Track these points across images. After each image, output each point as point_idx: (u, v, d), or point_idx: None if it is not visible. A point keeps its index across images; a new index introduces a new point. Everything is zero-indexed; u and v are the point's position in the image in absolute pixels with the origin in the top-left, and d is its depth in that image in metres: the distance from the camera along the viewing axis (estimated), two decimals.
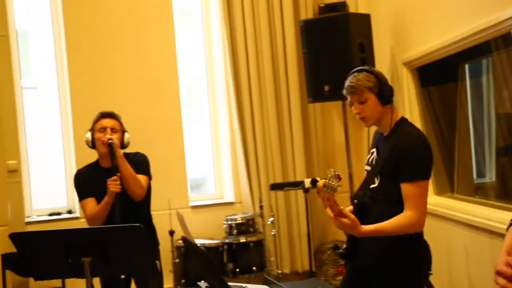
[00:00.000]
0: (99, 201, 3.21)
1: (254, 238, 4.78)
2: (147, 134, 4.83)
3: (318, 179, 4.56)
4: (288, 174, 5.24)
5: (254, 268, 4.70)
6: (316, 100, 4.73)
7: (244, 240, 4.75)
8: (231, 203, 5.32)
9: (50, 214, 4.90)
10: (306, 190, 4.64)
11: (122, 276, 3.06)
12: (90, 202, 3.25)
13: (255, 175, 5.14)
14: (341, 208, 2.46)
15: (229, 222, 4.91)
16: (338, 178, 2.35)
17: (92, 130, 3.31)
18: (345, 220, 2.45)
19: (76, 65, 4.84)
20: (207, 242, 4.73)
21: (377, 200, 2.60)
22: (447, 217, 3.90)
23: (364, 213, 2.61)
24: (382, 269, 2.54)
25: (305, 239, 5.11)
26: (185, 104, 5.26)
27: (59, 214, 4.91)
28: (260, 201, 4.67)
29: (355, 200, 2.65)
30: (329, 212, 2.42)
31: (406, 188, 2.49)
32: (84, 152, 4.60)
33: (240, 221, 4.87)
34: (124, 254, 2.35)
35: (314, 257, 5.03)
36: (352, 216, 2.48)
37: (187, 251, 4.51)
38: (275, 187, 4.85)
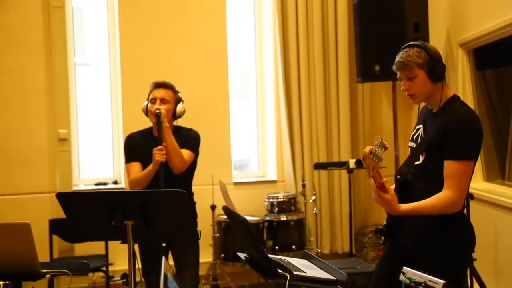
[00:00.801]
0: (144, 167, 3.28)
1: (295, 217, 4.80)
2: (195, 111, 4.81)
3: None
4: (333, 154, 5.22)
5: (293, 246, 4.72)
6: (366, 80, 4.68)
7: (285, 218, 4.77)
8: (273, 182, 5.34)
9: (97, 184, 5.04)
10: (350, 171, 4.61)
11: (163, 244, 3.12)
12: (135, 166, 3.32)
13: (299, 155, 5.15)
14: (384, 181, 2.44)
15: (271, 200, 4.93)
16: (384, 147, 2.32)
17: (148, 99, 3.39)
18: (386, 195, 2.43)
19: (128, 41, 4.93)
20: (248, 218, 4.74)
21: (420, 177, 2.56)
22: (496, 203, 3.81)
23: (406, 190, 2.57)
24: (424, 247, 2.50)
25: (347, 220, 5.14)
26: (233, 84, 5.28)
27: (105, 184, 5.05)
28: (303, 180, 4.67)
29: (398, 176, 2.61)
30: (372, 182, 2.40)
31: (449, 166, 2.43)
32: (131, 124, 4.71)
33: (282, 199, 4.89)
34: (166, 219, 2.39)
35: (354, 239, 5.01)
36: (392, 191, 2.45)
37: (228, 225, 4.59)
38: (318, 166, 4.84)
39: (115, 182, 5.09)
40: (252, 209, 5.07)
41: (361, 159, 2.39)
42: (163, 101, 3.30)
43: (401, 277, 2.16)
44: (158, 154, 3.14)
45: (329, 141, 5.23)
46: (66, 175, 4.76)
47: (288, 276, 2.34)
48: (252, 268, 2.56)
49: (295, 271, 2.41)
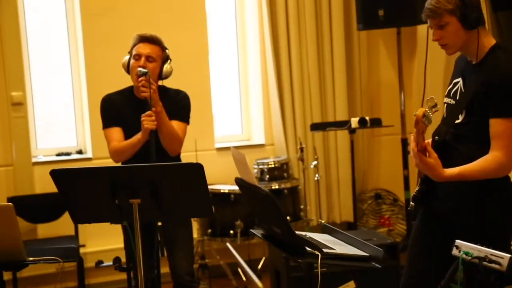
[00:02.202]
0: (126, 133, 3.16)
1: (288, 185, 4.75)
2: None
3: (366, 118, 4.51)
4: (327, 113, 5.17)
5: (288, 217, 4.70)
6: (368, 26, 4.63)
7: (277, 187, 4.71)
8: (261, 145, 5.26)
9: (58, 155, 4.83)
10: (352, 131, 4.58)
11: (159, 224, 3.05)
12: (116, 132, 3.20)
13: (289, 114, 5.06)
14: (426, 143, 2.40)
15: (260, 167, 4.84)
16: (436, 109, 2.28)
17: (130, 53, 3.21)
18: (429, 159, 2.39)
19: None
20: (235, 188, 4.71)
21: (462, 138, 2.51)
22: None
23: (445, 152, 2.55)
24: (469, 214, 2.48)
25: (345, 186, 5.13)
26: (212, 35, 5.11)
27: (68, 154, 4.85)
28: (301, 143, 4.62)
29: (436, 137, 2.58)
30: (413, 145, 2.36)
31: (496, 125, 2.39)
32: (96, 84, 4.62)
33: (273, 165, 4.82)
34: (181, 196, 2.30)
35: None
36: (435, 155, 2.41)
37: (215, 196, 4.52)
38: (316, 127, 4.77)
39: (80, 152, 4.90)
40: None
41: (414, 123, 2.32)
42: (148, 59, 3.15)
43: (455, 252, 2.13)
44: (147, 121, 3.01)
45: (323, 98, 5.15)
46: (23, 145, 4.52)
47: (319, 255, 2.30)
48: (273, 246, 2.51)
49: (325, 248, 2.37)
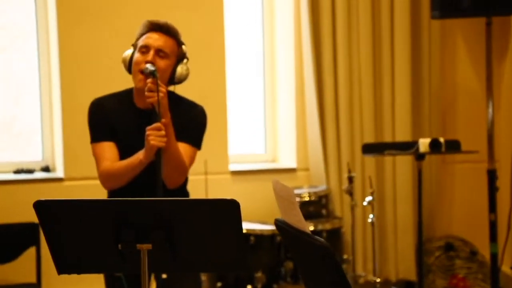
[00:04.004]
0: (122, 150, 3.19)
1: (327, 226, 4.77)
2: None
3: (441, 140, 4.51)
4: (383, 131, 5.20)
5: None
6: (447, 14, 4.68)
7: (312, 228, 4.73)
8: (291, 170, 5.29)
9: (17, 171, 4.88)
10: (420, 156, 4.58)
11: (164, 276, 3.06)
12: (109, 148, 3.21)
13: (332, 131, 5.09)
14: None
15: None
16: None
17: (135, 46, 3.23)
18: None
19: None
20: (256, 227, 4.73)
21: None
22: None
23: None
24: None
25: (405, 231, 5.15)
26: (228, 12, 5.19)
27: (30, 172, 4.88)
28: (349, 170, 4.63)
29: None
30: None
31: None
32: (74, 79, 4.63)
33: (307, 198, 4.84)
34: (203, 242, 2.32)
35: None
36: None
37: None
38: (370, 149, 4.75)
39: (46, 169, 4.95)
40: (259, 212, 4.98)
41: None
42: (159, 53, 3.18)
43: None
44: (155, 136, 3.02)
45: (378, 110, 5.19)
46: None
47: None
48: None
49: None
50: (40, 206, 2.24)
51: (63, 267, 2.40)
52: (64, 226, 2.30)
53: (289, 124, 5.34)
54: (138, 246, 2.29)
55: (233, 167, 5.19)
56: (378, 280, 4.78)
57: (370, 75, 5.17)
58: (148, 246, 2.29)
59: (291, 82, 5.29)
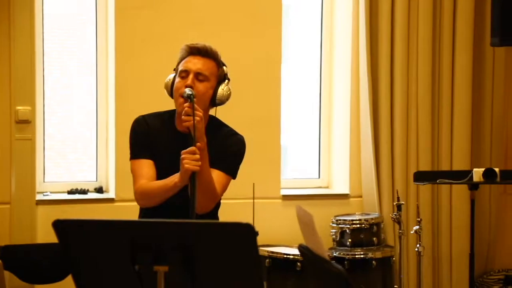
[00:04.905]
0: (160, 169, 3.26)
1: (378, 254, 4.76)
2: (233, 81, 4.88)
3: (496, 169, 4.47)
4: (441, 160, 5.19)
5: None
6: (508, 42, 4.66)
7: (362, 256, 4.74)
8: (344, 196, 5.32)
9: (71, 192, 5.01)
10: (474, 186, 4.54)
11: None
12: (147, 166, 3.27)
13: (386, 158, 5.11)
14: None
15: (341, 226, 4.88)
16: None
17: (176, 70, 3.30)
18: None
19: None
20: None
21: None
22: None
23: None
24: None
25: (460, 262, 5.09)
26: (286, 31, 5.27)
27: (84, 192, 5.03)
28: (398, 198, 4.62)
29: None
30: None
31: None
32: (129, 103, 4.76)
33: (358, 225, 4.85)
34: (220, 266, 2.35)
35: None
36: None
37: (278, 263, 4.57)
38: (422, 177, 4.75)
39: (100, 190, 5.08)
40: None
41: None
42: (198, 77, 3.23)
43: None
44: (189, 160, 3.07)
45: (435, 139, 5.20)
46: (26, 176, 4.69)
47: None
48: None
49: None
50: (59, 225, 2.30)
51: (81, 286, 2.46)
52: (82, 245, 2.35)
53: (344, 149, 5.37)
54: (155, 267, 2.33)
55: (285, 192, 5.23)
56: None
57: (428, 102, 5.18)
58: (165, 268, 2.32)
59: (347, 108, 5.32)
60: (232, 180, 3.38)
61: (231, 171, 3.34)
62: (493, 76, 5.27)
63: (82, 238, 2.35)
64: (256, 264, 2.38)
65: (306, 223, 2.54)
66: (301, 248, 2.58)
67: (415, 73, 5.15)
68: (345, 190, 5.34)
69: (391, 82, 5.13)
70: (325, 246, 2.59)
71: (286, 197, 5.20)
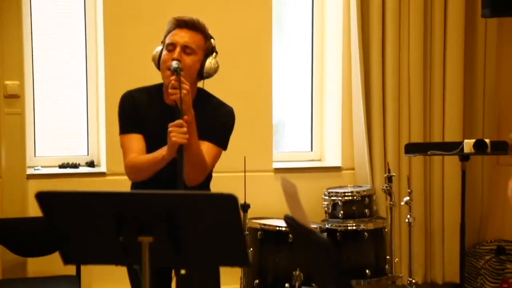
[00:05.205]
0: (149, 143, 3.28)
1: (370, 226, 4.78)
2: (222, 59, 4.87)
3: (486, 140, 4.48)
4: (433, 131, 5.21)
5: (367, 271, 4.71)
6: (499, 13, 4.63)
7: (354, 228, 4.76)
8: (336, 169, 5.35)
9: (62, 166, 5.04)
10: (465, 158, 4.55)
11: (182, 271, 3.12)
12: (136, 140, 3.29)
13: (378, 131, 5.13)
14: None
15: (333, 198, 4.89)
16: None
17: (163, 43, 3.30)
18: None
19: None
20: None
21: None
22: None
23: None
24: None
25: (453, 233, 5.10)
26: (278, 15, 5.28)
27: (75, 166, 5.04)
28: (388, 170, 4.63)
29: None
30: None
31: None
32: (118, 78, 4.76)
33: (350, 197, 4.86)
34: (204, 237, 2.36)
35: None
36: None
37: (268, 235, 4.60)
38: (412, 149, 4.76)
39: (91, 164, 5.09)
40: None
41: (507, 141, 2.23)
42: (185, 50, 3.23)
43: None
44: (177, 133, 3.08)
45: (427, 111, 5.21)
46: (16, 150, 4.72)
47: None
48: None
49: None
50: (42, 197, 2.31)
51: (67, 257, 2.48)
52: (66, 217, 2.36)
53: (336, 122, 5.39)
54: (140, 238, 2.34)
55: (277, 165, 5.25)
56: (414, 281, 4.76)
57: (419, 73, 5.18)
58: (150, 239, 2.33)
59: (339, 80, 5.33)
60: (225, 154, 3.41)
61: (221, 142, 3.35)
62: (485, 47, 5.27)
63: (65, 210, 2.37)
64: (239, 233, 2.39)
65: (290, 194, 2.55)
66: (287, 219, 2.59)
67: (407, 46, 5.15)
68: (337, 163, 5.37)
69: (382, 54, 5.13)
70: (308, 217, 2.59)
71: (278, 170, 5.23)
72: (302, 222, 2.50)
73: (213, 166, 3.34)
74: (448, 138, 5.14)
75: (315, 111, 5.53)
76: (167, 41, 3.27)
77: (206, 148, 3.26)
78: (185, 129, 3.08)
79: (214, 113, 3.35)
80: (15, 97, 4.72)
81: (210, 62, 3.28)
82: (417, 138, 5.14)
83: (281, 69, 5.40)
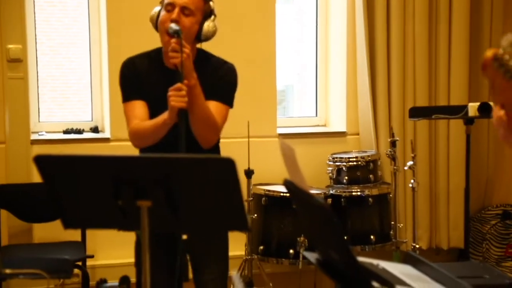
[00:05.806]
0: (152, 109, 3.29)
1: (375, 191, 4.80)
2: (222, 24, 4.86)
3: (491, 103, 4.46)
4: (438, 96, 5.21)
5: (372, 237, 4.73)
6: None
7: (358, 193, 4.79)
8: (341, 134, 5.36)
9: (66, 132, 5.06)
10: (469, 121, 4.55)
11: (184, 237, 3.14)
12: (139, 106, 3.30)
13: (383, 95, 5.13)
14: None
15: (337, 163, 4.91)
16: None
17: (161, 4, 3.29)
18: None
19: None
20: None
21: None
22: None
23: None
24: None
25: (458, 198, 5.11)
26: None
27: (79, 132, 5.07)
28: (392, 134, 4.64)
29: None
30: (501, 114, 2.04)
31: None
32: (121, 43, 4.75)
33: (355, 163, 4.88)
34: (202, 201, 2.37)
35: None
36: None
37: (272, 201, 4.62)
38: (417, 113, 4.76)
39: (95, 130, 5.12)
40: (306, 176, 5.03)
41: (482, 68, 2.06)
42: (184, 11, 3.22)
43: None
44: (176, 97, 3.09)
45: (432, 74, 5.19)
46: (20, 115, 4.74)
47: None
48: (329, 277, 2.57)
49: (399, 284, 2.41)
50: (40, 161, 2.33)
51: (67, 222, 2.50)
52: (64, 181, 2.37)
53: (341, 87, 5.39)
54: (138, 202, 2.34)
55: (281, 130, 5.26)
56: (418, 246, 4.79)
57: (425, 36, 5.18)
58: (148, 203, 2.34)
59: (343, 45, 5.32)
60: (228, 119, 3.41)
61: (227, 100, 3.36)
62: (491, 8, 5.25)
63: (63, 173, 2.37)
64: (238, 198, 2.39)
65: (289, 156, 2.55)
66: (286, 183, 2.59)
67: (412, 8, 5.13)
68: (342, 128, 5.38)
69: (387, 16, 5.12)
70: (307, 181, 2.60)
71: (282, 136, 5.22)
72: (300, 185, 2.50)
73: (223, 124, 3.35)
74: (454, 102, 5.15)
75: (319, 76, 5.52)
76: (166, 1, 3.25)
77: (213, 107, 3.27)
78: (183, 92, 3.08)
79: (216, 72, 3.35)
80: (18, 61, 4.73)
81: (208, 25, 3.28)
82: (422, 103, 5.15)
83: (285, 33, 5.38)
